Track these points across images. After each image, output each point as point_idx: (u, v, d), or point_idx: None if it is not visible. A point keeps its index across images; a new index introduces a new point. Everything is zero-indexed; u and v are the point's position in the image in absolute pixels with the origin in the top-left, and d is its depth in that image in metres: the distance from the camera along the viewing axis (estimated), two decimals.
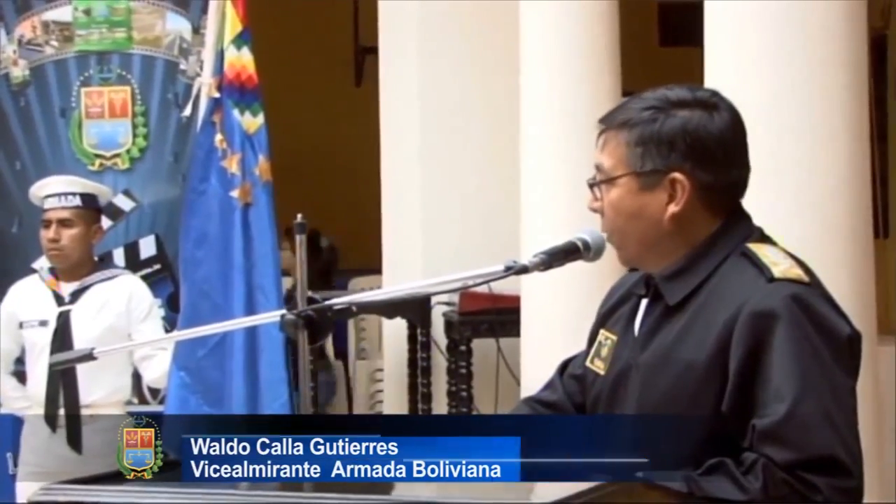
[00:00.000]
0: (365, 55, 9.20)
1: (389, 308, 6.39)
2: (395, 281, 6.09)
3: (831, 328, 2.44)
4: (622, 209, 2.52)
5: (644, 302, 2.59)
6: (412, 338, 6.32)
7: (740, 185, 2.56)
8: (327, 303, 2.72)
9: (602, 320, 2.69)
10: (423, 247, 6.20)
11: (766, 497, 2.34)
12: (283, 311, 2.73)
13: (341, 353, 8.14)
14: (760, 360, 2.40)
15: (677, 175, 2.49)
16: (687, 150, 2.49)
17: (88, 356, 2.88)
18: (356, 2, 9.15)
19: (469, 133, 6.36)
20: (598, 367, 2.62)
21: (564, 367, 2.77)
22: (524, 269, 2.57)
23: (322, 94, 9.61)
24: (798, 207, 3.92)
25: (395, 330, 6.48)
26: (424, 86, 6.44)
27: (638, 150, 2.50)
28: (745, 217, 2.57)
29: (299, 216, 4.21)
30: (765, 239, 2.56)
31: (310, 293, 4.51)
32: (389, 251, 6.48)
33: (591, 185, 2.57)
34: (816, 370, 2.40)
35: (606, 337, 2.64)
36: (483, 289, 5.08)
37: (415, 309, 6.23)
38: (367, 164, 6.87)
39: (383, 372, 6.85)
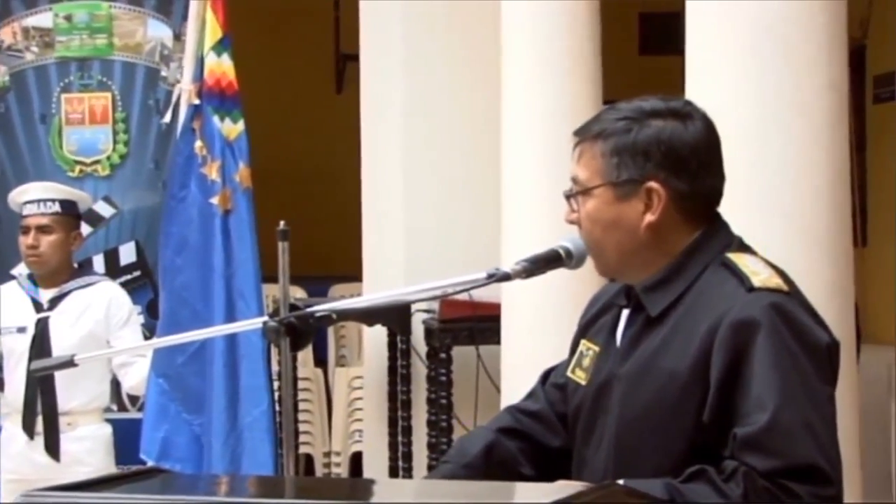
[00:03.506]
0: (346, 62, 9.18)
1: (369, 315, 6.39)
2: (376, 288, 6.09)
3: (811, 337, 2.45)
4: (599, 220, 2.53)
5: (625, 313, 2.60)
6: (392, 345, 6.30)
7: (716, 193, 2.57)
8: (309, 310, 2.72)
9: (583, 330, 2.69)
10: (403, 254, 6.20)
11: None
12: (265, 318, 2.74)
13: (321, 360, 8.12)
14: (741, 369, 2.41)
15: (653, 184, 2.50)
16: (662, 159, 2.50)
17: (69, 363, 2.88)
18: (337, 9, 9.13)
19: (450, 141, 6.35)
20: (580, 377, 2.63)
21: (546, 376, 2.77)
22: (506, 277, 2.58)
23: (303, 100, 9.59)
24: (777, 216, 3.93)
25: (375, 337, 6.47)
26: (406, 93, 6.44)
27: (613, 160, 2.51)
28: (724, 226, 2.58)
29: (282, 223, 4.21)
30: (744, 248, 2.57)
31: (292, 300, 4.51)
32: (370, 258, 6.47)
33: (568, 197, 2.58)
34: (797, 379, 2.41)
35: (588, 347, 2.64)
36: (463, 296, 5.08)
37: (395, 316, 6.23)
38: (347, 171, 6.86)
39: (363, 379, 6.84)
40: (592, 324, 2.67)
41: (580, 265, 2.62)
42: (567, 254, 2.59)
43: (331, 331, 8.01)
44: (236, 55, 5.45)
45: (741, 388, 2.40)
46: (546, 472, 2.64)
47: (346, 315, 6.58)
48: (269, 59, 9.39)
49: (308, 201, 8.96)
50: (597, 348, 2.61)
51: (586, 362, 2.62)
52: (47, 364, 3.99)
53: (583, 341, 2.66)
